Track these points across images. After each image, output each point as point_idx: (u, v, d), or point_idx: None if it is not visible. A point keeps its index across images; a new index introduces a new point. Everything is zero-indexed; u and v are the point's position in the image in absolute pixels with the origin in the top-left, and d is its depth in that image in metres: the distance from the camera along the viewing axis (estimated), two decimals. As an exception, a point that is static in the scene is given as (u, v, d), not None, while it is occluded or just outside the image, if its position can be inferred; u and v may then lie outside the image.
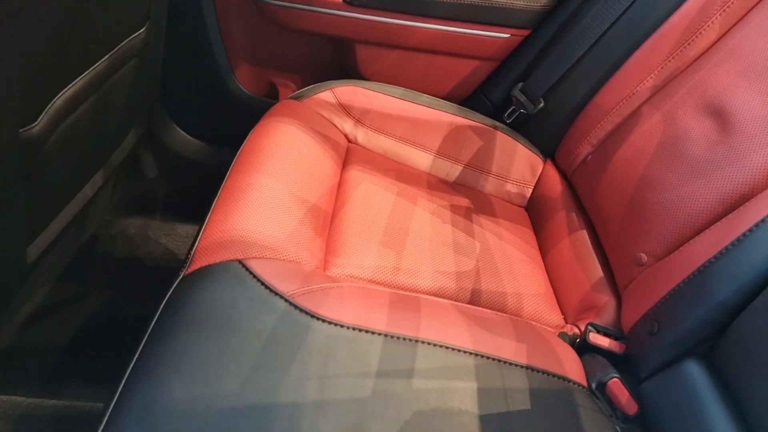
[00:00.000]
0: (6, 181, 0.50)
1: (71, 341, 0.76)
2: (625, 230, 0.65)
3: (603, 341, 0.58)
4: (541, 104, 0.87)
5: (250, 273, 0.51)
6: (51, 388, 0.65)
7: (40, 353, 0.73)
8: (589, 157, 0.78)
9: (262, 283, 0.50)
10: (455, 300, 0.64)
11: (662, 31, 0.76)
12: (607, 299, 0.65)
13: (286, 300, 0.49)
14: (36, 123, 0.53)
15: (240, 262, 0.52)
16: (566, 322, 0.67)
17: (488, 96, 0.95)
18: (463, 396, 0.46)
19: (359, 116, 0.85)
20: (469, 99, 0.97)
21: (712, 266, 0.49)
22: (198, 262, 0.53)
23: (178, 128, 1.07)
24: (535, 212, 0.87)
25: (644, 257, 0.60)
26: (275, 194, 0.64)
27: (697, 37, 0.72)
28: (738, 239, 0.47)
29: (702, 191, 0.56)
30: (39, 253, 0.61)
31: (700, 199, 0.56)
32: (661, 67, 0.74)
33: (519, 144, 0.89)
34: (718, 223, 0.52)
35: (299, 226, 0.61)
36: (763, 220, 0.46)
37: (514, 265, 0.73)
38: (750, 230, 0.47)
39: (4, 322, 0.67)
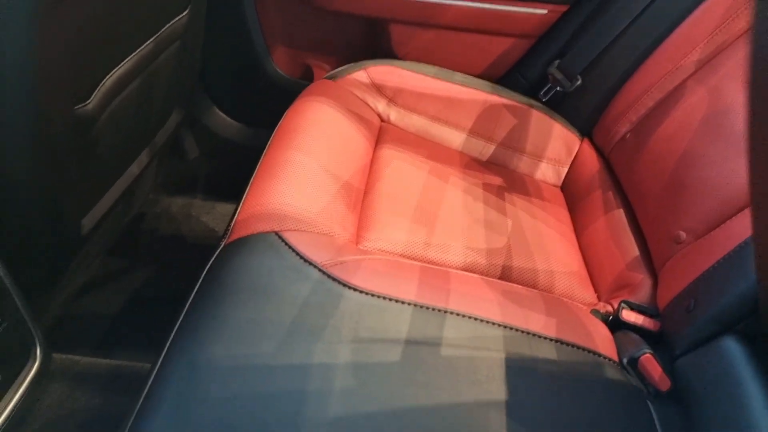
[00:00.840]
0: (64, 156, 0.54)
1: (121, 309, 0.82)
2: (663, 208, 0.64)
3: (636, 318, 0.58)
4: (579, 81, 0.85)
5: (286, 244, 0.53)
6: (104, 350, 0.71)
7: (94, 319, 0.79)
8: (628, 135, 0.77)
9: (297, 254, 0.52)
10: (485, 276, 0.64)
11: (708, 4, 0.73)
12: (642, 277, 0.64)
13: (319, 269, 0.51)
14: (89, 101, 0.56)
15: (276, 233, 0.54)
16: (599, 300, 0.66)
17: (524, 74, 0.93)
18: (491, 365, 0.47)
19: (392, 95, 0.86)
20: (505, 77, 0.96)
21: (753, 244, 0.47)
22: (237, 233, 0.55)
23: (217, 110, 1.10)
24: (570, 192, 0.86)
25: (683, 235, 0.59)
26: (310, 170, 0.65)
27: (745, 8, 0.68)
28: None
29: (746, 168, 0.54)
30: (92, 225, 0.65)
31: (744, 176, 0.54)
32: (707, 41, 0.71)
33: (555, 122, 0.87)
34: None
35: (332, 202, 0.63)
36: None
37: (547, 243, 0.72)
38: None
39: (63, 288, 0.73)
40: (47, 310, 0.69)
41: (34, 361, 0.45)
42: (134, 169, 0.77)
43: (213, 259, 0.52)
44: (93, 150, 0.60)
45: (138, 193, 0.90)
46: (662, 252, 0.62)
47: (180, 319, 0.46)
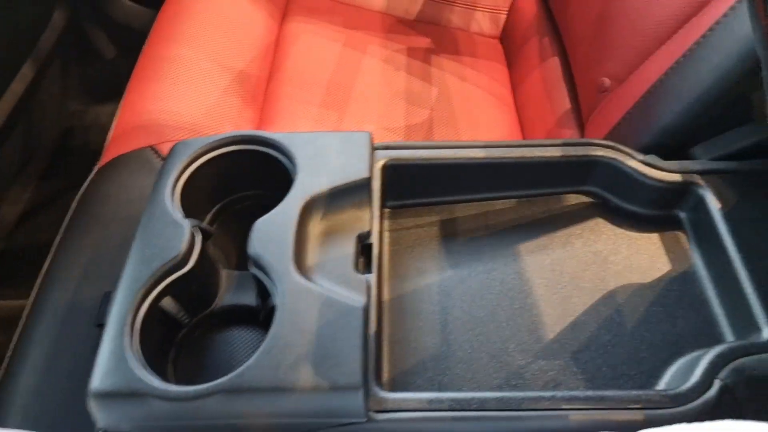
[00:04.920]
0: None
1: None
2: (592, 52, 0.57)
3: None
4: None
5: (162, 159, 0.49)
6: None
7: (28, 251, 0.77)
8: (562, -34, 0.65)
9: (174, 168, 0.47)
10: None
11: None
12: (571, 133, 0.59)
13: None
14: None
15: (152, 148, 0.50)
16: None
17: None
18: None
19: (292, -46, 0.73)
20: None
21: (663, 84, 0.41)
22: (110, 153, 0.50)
23: (120, -2, 0.97)
24: (508, 42, 0.77)
25: (607, 82, 0.53)
26: (193, 65, 0.58)
27: None
28: (690, 49, 0.39)
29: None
30: (-22, 159, 0.61)
31: (664, 2, 0.45)
32: None
33: (486, -40, 0.75)
34: (675, 34, 0.43)
35: (222, 98, 0.57)
36: (717, 23, 0.37)
37: (474, 110, 0.66)
38: (703, 36, 0.38)
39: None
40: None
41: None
42: (17, 87, 0.69)
43: (84, 186, 0.48)
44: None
45: (41, 108, 0.83)
46: (589, 103, 0.56)
47: (50, 257, 0.44)
